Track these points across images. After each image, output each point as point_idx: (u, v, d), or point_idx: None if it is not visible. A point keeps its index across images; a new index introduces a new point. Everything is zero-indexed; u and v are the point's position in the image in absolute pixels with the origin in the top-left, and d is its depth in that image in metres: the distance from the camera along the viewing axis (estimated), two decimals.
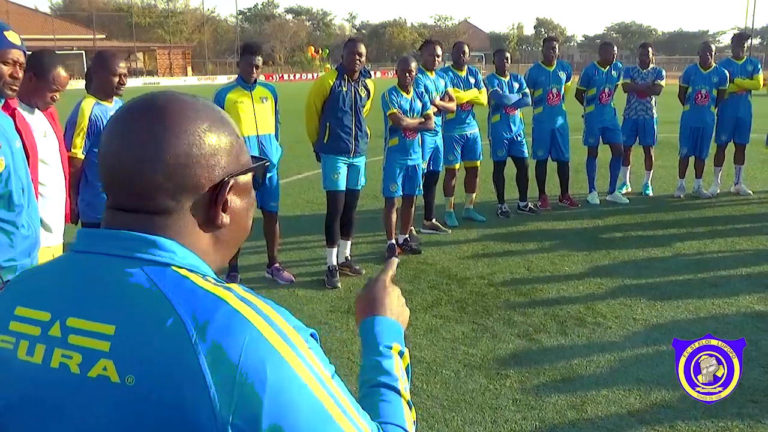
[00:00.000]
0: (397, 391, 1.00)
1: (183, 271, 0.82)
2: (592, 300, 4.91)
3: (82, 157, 3.92)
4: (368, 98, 5.44)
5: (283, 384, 0.76)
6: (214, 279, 0.84)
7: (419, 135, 5.88)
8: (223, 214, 0.88)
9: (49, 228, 3.08)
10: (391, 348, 1.06)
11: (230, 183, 0.87)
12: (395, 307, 1.13)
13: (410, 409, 1.01)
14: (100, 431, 0.77)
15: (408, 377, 1.07)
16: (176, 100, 0.87)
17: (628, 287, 5.17)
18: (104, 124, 3.92)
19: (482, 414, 3.36)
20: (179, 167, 0.83)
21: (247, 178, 0.93)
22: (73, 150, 3.87)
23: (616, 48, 8.11)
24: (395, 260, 1.28)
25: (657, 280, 5.33)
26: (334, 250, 5.42)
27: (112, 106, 4.02)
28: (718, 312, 4.66)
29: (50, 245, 3.04)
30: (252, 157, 0.95)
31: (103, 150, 0.86)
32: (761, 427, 3.21)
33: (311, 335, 0.84)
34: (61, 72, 3.15)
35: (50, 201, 3.12)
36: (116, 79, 3.95)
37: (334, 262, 5.40)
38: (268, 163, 0.98)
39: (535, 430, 3.22)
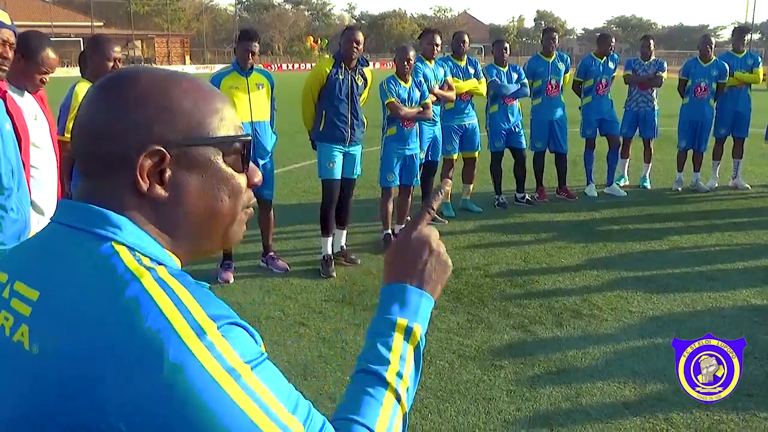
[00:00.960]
0: (383, 382, 0.90)
1: (118, 247, 0.79)
2: (588, 292, 4.89)
3: None
4: (365, 87, 5.40)
5: (181, 375, 0.70)
6: (151, 258, 0.80)
7: (417, 125, 5.84)
8: (157, 185, 0.82)
9: (41, 211, 3.05)
10: (395, 326, 0.94)
11: (154, 149, 0.80)
12: (428, 268, 0.98)
13: (397, 401, 0.90)
14: (13, 397, 0.75)
15: (414, 358, 0.94)
16: (127, 71, 0.85)
17: (625, 280, 5.15)
18: None
19: (476, 405, 3.34)
20: (102, 134, 0.81)
21: (206, 153, 0.84)
22: (66, 134, 3.82)
23: (614, 39, 8.07)
24: (448, 183, 1.09)
25: (654, 273, 5.31)
26: (329, 239, 5.39)
27: None
28: (714, 305, 4.64)
29: None
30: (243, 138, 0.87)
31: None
32: (756, 421, 3.19)
33: (236, 324, 0.77)
34: (50, 54, 3.09)
35: (42, 185, 3.08)
36: (110, 64, 3.90)
37: (329, 252, 5.37)
38: (245, 139, 0.87)
39: (528, 421, 3.20)
